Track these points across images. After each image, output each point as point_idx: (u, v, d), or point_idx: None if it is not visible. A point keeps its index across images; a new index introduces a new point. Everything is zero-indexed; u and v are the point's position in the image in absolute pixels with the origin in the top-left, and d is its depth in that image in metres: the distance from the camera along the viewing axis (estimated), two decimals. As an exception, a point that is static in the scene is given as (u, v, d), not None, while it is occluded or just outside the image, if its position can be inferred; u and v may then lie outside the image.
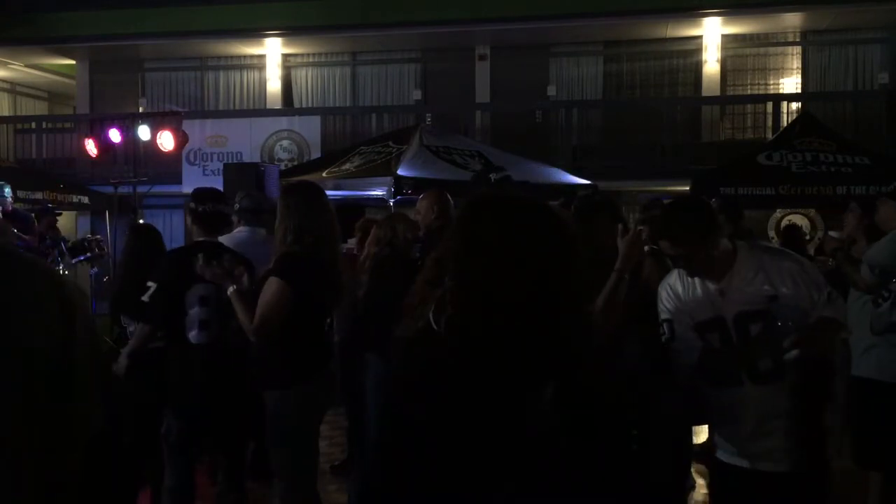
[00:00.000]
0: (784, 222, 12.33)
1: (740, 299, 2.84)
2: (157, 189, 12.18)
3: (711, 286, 2.90)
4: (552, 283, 1.51)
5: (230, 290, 3.70)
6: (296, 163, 13.44)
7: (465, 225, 1.61)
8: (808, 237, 10.93)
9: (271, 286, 3.60)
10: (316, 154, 13.61)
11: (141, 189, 11.20)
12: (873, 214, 4.65)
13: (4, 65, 18.43)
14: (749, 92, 15.68)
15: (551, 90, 16.05)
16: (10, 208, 8.38)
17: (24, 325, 1.83)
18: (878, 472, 4.35)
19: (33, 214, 9.39)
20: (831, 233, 5.33)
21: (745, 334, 2.85)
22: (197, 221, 4.30)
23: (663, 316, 3.04)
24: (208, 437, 4.28)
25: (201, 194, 4.45)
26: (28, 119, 17.99)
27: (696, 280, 2.95)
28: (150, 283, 4.15)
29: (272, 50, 16.80)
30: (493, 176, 4.18)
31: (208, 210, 4.31)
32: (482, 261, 1.52)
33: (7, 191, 8.21)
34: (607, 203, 4.01)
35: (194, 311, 4.03)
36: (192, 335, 4.03)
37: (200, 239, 4.27)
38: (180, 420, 4.13)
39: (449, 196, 5.15)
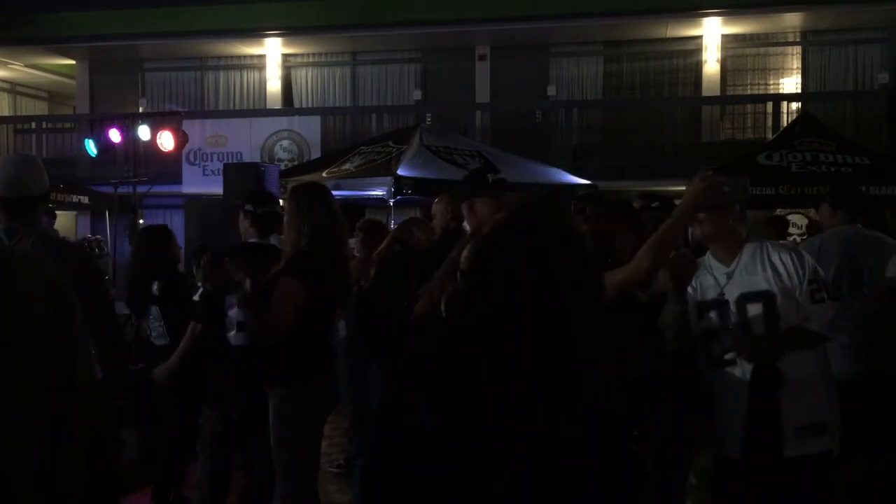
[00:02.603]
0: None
1: (743, 282, 3.03)
2: (157, 189, 12.18)
3: (723, 270, 3.09)
4: (566, 294, 1.52)
5: (236, 297, 3.70)
6: (296, 163, 13.44)
7: (511, 232, 1.60)
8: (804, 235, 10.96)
9: (289, 286, 3.60)
10: (316, 154, 13.61)
11: (141, 189, 11.20)
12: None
13: (4, 65, 18.44)
14: (749, 92, 15.69)
15: (551, 90, 16.06)
16: None
17: (5, 324, 1.81)
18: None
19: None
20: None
21: (744, 314, 3.02)
22: (255, 223, 4.29)
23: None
24: (244, 433, 4.27)
25: (259, 196, 4.53)
26: (28, 119, 18.00)
27: (711, 265, 3.15)
28: (199, 284, 4.20)
29: (272, 50, 16.80)
30: (490, 176, 4.18)
31: (267, 212, 4.32)
32: (504, 272, 1.52)
33: None
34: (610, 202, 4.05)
35: (233, 313, 4.04)
36: (231, 336, 4.06)
37: (252, 240, 4.27)
38: (219, 415, 4.13)
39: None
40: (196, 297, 4.28)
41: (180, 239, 5.92)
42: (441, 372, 1.51)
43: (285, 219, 3.79)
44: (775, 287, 2.98)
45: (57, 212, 10.55)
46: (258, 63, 17.05)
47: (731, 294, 3.04)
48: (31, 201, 3.10)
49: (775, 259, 3.01)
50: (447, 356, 1.54)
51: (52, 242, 3.29)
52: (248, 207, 4.31)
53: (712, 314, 3.07)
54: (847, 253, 4.38)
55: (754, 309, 3.00)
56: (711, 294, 3.10)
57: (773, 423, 2.92)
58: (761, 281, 3.01)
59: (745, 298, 3.02)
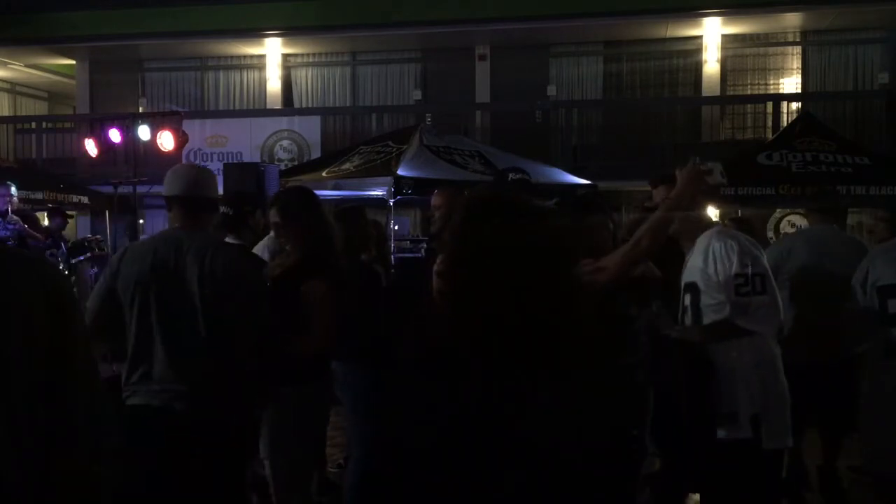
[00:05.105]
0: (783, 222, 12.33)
1: (686, 272, 3.18)
2: (157, 189, 12.14)
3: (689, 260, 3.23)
4: (548, 289, 1.51)
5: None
6: (296, 163, 13.43)
7: (463, 229, 1.61)
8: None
9: (320, 288, 3.53)
10: (316, 154, 13.61)
11: (141, 189, 11.20)
12: None
13: (4, 65, 18.44)
14: (749, 92, 15.69)
15: (551, 90, 16.06)
16: (16, 206, 8.46)
17: (3, 322, 1.79)
18: None
19: (44, 213, 9.52)
20: None
21: (682, 304, 3.18)
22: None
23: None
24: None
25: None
26: (28, 119, 17.99)
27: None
28: None
29: (272, 50, 16.80)
30: (511, 176, 4.21)
31: None
32: (478, 266, 1.52)
33: (14, 189, 8.28)
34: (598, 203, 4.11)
35: None
36: None
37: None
38: None
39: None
40: None
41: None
42: (435, 378, 1.51)
43: (282, 224, 3.77)
44: (701, 279, 3.05)
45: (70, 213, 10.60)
46: (258, 63, 17.05)
47: (683, 283, 3.20)
48: (202, 201, 3.25)
49: (709, 251, 3.06)
50: (440, 361, 1.53)
51: (221, 244, 3.35)
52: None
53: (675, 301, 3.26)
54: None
55: (686, 299, 3.15)
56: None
57: (685, 409, 3.08)
58: (694, 272, 3.10)
59: (684, 289, 3.16)
